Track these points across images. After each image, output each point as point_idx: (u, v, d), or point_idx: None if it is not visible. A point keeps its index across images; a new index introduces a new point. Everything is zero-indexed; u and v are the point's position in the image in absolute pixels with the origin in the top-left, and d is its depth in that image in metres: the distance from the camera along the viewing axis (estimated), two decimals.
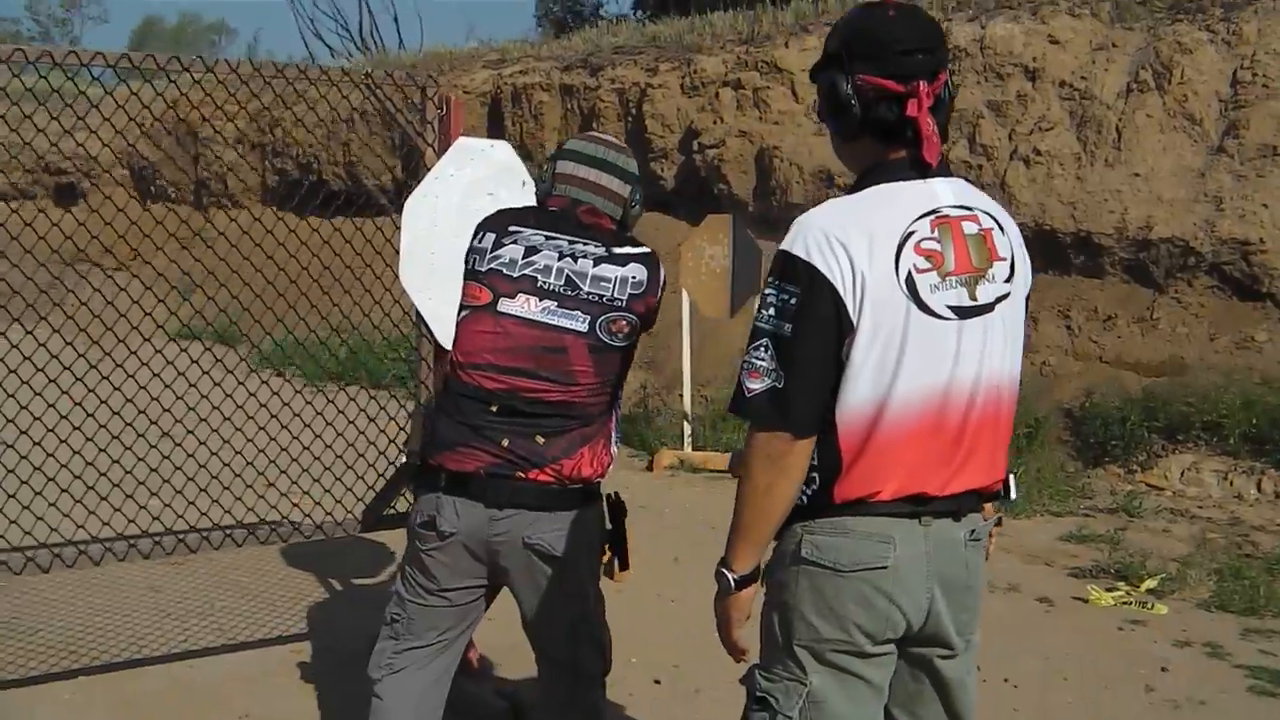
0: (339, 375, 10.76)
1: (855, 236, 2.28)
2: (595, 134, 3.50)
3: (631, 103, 13.33)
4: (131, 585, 5.83)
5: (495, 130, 14.28)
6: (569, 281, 3.17)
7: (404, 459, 5.33)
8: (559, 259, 3.19)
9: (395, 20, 51.20)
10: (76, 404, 4.80)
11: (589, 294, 3.17)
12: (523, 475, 3.13)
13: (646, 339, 4.31)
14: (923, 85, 2.33)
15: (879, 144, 2.40)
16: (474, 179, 4.35)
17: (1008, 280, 2.42)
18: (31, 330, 4.97)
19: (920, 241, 2.31)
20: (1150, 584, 6.23)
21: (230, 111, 14.14)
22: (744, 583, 2.40)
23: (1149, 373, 9.08)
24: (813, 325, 2.26)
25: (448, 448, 3.18)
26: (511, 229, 3.25)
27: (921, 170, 2.38)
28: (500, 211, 3.38)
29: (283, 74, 4.37)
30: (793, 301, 2.26)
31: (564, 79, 14.16)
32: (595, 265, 3.20)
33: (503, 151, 4.45)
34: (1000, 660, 5.02)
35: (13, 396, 4.52)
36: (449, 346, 4.06)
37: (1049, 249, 9.85)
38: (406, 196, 4.35)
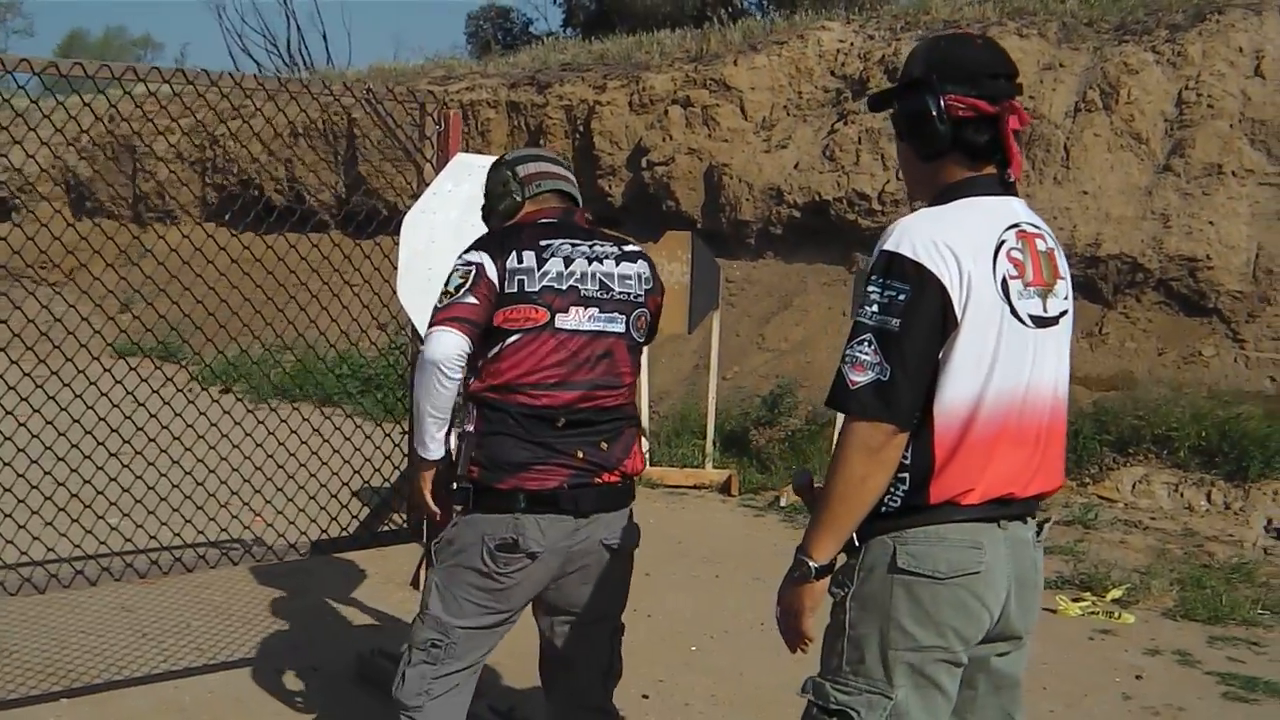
0: (286, 392, 10.69)
1: (958, 240, 2.36)
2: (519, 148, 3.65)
3: (579, 119, 13.35)
4: (103, 605, 5.74)
5: None
6: (602, 285, 3.25)
7: (393, 480, 5.30)
8: (589, 264, 3.26)
9: (324, 37, 50.71)
10: (21, 424, 4.70)
11: (620, 294, 3.27)
12: (599, 480, 3.22)
13: None
14: (1015, 105, 2.45)
15: (966, 162, 2.49)
16: (471, 195, 4.33)
17: (1066, 298, 2.54)
18: None
19: (1010, 250, 2.42)
20: (1116, 594, 6.34)
21: (168, 126, 13.93)
22: (823, 572, 2.42)
23: (1099, 387, 9.24)
24: (921, 321, 2.32)
25: (521, 469, 3.16)
26: (543, 243, 3.25)
27: (1006, 187, 2.51)
28: (512, 229, 3.32)
29: (285, 87, 4.33)
30: (900, 298, 2.32)
31: (511, 96, 14.14)
32: (617, 264, 3.30)
33: None
34: None
35: None
36: None
37: None
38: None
